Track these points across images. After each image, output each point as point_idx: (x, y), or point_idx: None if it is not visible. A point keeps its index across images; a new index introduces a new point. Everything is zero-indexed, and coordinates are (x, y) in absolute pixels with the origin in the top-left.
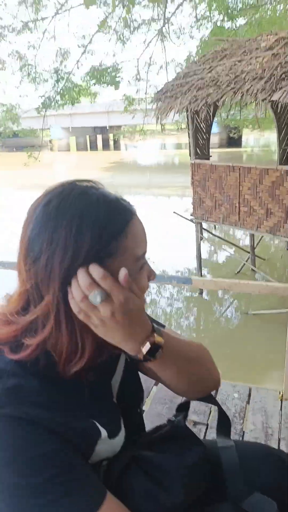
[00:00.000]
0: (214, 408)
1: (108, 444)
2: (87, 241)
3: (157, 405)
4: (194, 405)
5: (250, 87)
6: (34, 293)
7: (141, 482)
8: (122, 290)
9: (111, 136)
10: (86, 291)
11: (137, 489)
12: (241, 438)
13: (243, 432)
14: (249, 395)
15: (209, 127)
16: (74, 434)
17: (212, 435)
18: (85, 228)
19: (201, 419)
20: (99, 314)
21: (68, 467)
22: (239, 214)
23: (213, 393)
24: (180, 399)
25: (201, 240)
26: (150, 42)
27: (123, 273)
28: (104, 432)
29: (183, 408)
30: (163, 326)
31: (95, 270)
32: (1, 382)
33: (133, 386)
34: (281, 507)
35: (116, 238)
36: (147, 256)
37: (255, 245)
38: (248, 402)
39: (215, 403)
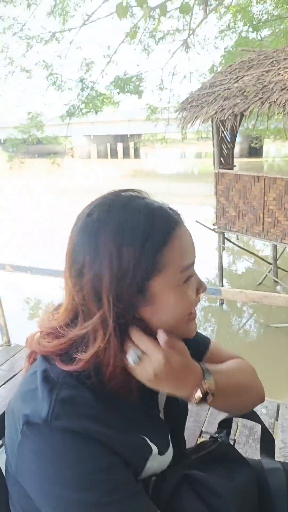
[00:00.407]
0: (241, 423)
1: (158, 461)
2: (131, 256)
3: None
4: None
5: (279, 97)
6: (83, 307)
7: (193, 503)
8: (160, 351)
9: (131, 144)
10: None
11: (191, 510)
12: None
13: None
14: (278, 411)
15: (234, 137)
16: (126, 449)
17: (240, 450)
18: (128, 241)
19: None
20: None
21: (121, 483)
22: (263, 224)
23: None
24: (209, 414)
25: (223, 250)
26: (174, 52)
27: (161, 335)
28: (155, 448)
29: (225, 425)
30: (208, 340)
31: (132, 331)
32: (54, 393)
33: (177, 402)
34: None
35: (161, 249)
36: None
37: (277, 256)
38: (276, 419)
39: (260, 421)
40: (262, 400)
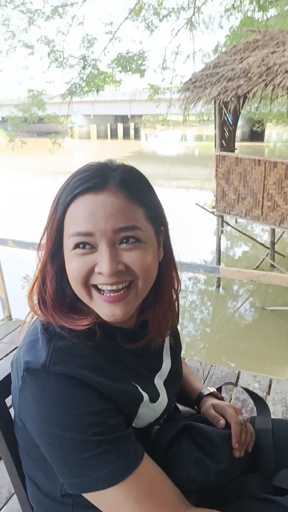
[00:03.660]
0: (234, 396)
1: (151, 408)
2: (52, 207)
3: None
4: None
5: (282, 80)
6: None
7: (191, 450)
8: None
9: (132, 125)
10: None
11: (188, 456)
12: None
13: None
14: (270, 386)
15: (236, 119)
16: (118, 396)
17: None
18: (57, 194)
19: None
20: None
21: (110, 427)
22: (262, 208)
23: (234, 382)
24: None
25: (221, 233)
26: (178, 31)
27: None
28: (146, 396)
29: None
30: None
31: None
32: (52, 343)
33: (178, 372)
34: None
35: (66, 208)
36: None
37: (275, 241)
38: (268, 393)
39: (256, 396)
40: None
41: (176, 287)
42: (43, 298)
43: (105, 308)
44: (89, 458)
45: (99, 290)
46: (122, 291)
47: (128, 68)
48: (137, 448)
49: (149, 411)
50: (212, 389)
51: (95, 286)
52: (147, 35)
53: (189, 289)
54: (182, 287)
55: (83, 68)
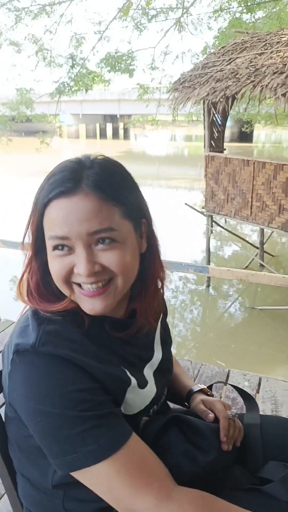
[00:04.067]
0: (224, 394)
1: (139, 394)
2: (34, 211)
3: None
4: None
5: (270, 81)
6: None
7: (181, 441)
8: None
9: (121, 125)
10: None
11: (178, 447)
12: None
13: None
14: (259, 384)
15: (225, 120)
16: (106, 378)
17: None
18: (38, 193)
19: None
20: None
21: (99, 404)
22: (251, 208)
23: (224, 380)
24: None
25: (211, 233)
26: (167, 31)
27: None
28: (134, 381)
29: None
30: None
31: None
32: (42, 326)
33: (168, 363)
34: None
35: (44, 209)
36: None
37: (264, 241)
38: (258, 391)
39: (246, 394)
40: None
41: (161, 276)
42: (29, 288)
43: (86, 302)
44: (78, 433)
45: (79, 285)
46: (101, 287)
47: (117, 67)
48: (125, 425)
49: (137, 397)
50: (202, 386)
51: (76, 283)
52: (136, 35)
53: (180, 289)
54: (172, 286)
55: (72, 67)
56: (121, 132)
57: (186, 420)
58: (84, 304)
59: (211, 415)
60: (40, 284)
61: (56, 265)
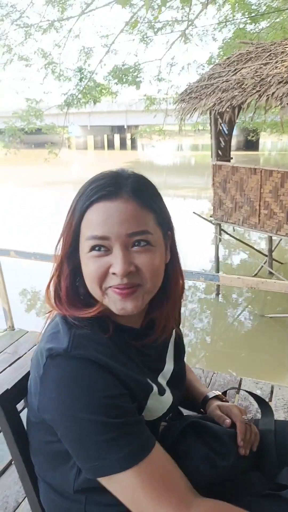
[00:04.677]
0: (236, 403)
1: (158, 401)
2: (70, 212)
3: None
4: None
5: (276, 91)
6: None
7: (199, 446)
8: None
9: (128, 135)
10: None
11: (197, 452)
12: None
13: None
14: (272, 392)
15: (232, 129)
16: (133, 384)
17: None
18: (73, 200)
19: None
20: None
21: (128, 411)
22: (259, 216)
23: (236, 389)
24: None
25: (219, 241)
26: (173, 43)
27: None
28: (155, 388)
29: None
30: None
31: None
32: (73, 330)
33: (180, 374)
34: None
35: (84, 213)
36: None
37: (273, 248)
38: (270, 400)
39: (261, 400)
40: None
41: (182, 289)
42: (58, 293)
43: (117, 303)
44: (107, 440)
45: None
46: (132, 287)
47: (124, 80)
48: (149, 434)
49: (157, 403)
50: (218, 392)
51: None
52: (142, 47)
53: (189, 298)
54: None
55: (80, 80)
56: (128, 142)
57: (204, 426)
58: (115, 305)
59: (228, 420)
60: (69, 289)
61: (92, 265)
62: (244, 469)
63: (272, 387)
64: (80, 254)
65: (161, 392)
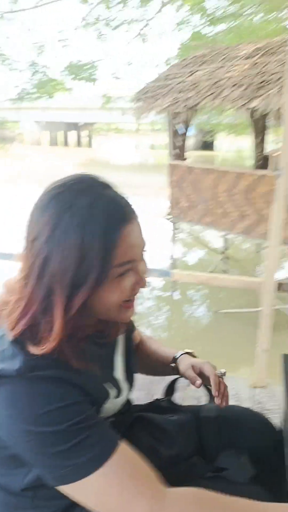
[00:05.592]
0: (187, 394)
1: (113, 404)
2: (96, 243)
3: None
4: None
5: (230, 93)
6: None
7: (145, 438)
8: None
9: (84, 132)
10: None
11: (143, 444)
12: None
13: None
14: None
15: (187, 129)
16: (93, 391)
17: None
18: (90, 229)
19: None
20: None
21: (88, 416)
22: (214, 215)
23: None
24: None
25: (175, 240)
26: (130, 42)
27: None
28: (111, 392)
29: (170, 391)
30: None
31: None
32: (25, 350)
33: (131, 367)
34: (259, 464)
35: (115, 242)
36: None
37: (227, 247)
38: None
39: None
40: None
41: None
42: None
43: (124, 314)
44: (70, 448)
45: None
46: None
47: (80, 76)
48: (112, 432)
49: (111, 406)
50: (187, 350)
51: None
52: (99, 44)
53: (146, 296)
54: (138, 294)
55: (34, 74)
56: (85, 140)
57: (149, 419)
58: (125, 315)
59: (199, 381)
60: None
61: (118, 288)
62: (187, 456)
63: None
64: (99, 281)
65: (118, 393)
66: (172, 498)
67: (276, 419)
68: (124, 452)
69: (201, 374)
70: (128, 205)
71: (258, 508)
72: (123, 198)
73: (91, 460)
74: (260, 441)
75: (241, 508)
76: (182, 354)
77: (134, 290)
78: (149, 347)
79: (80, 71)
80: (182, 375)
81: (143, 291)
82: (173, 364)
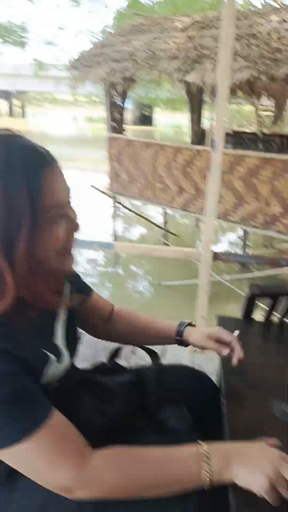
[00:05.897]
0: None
1: (56, 368)
2: (20, 189)
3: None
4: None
5: (167, 66)
6: None
7: (89, 399)
8: None
9: (17, 102)
10: None
11: (87, 405)
12: None
13: None
14: (166, 351)
15: (125, 101)
16: (29, 355)
17: None
18: (11, 178)
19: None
20: None
21: (20, 385)
22: (153, 190)
23: (133, 351)
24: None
25: (116, 214)
26: (62, 6)
27: None
28: (53, 356)
29: (114, 355)
30: (91, 289)
31: None
32: None
33: (73, 333)
34: (197, 415)
35: (39, 187)
36: None
37: (167, 221)
38: (164, 358)
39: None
40: None
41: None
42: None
43: (68, 261)
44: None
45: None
46: None
47: (8, 39)
48: (46, 402)
49: (54, 370)
50: (188, 321)
51: None
52: (29, 6)
53: (89, 272)
54: (81, 269)
55: None
56: (17, 109)
57: (94, 380)
58: (67, 262)
59: (226, 350)
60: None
61: (61, 232)
62: (131, 411)
63: (166, 347)
64: (32, 226)
65: (58, 358)
66: (95, 460)
67: (215, 381)
68: (55, 422)
69: (217, 341)
70: (47, 152)
71: (169, 452)
72: (40, 146)
73: (20, 430)
74: (197, 393)
75: (155, 456)
76: (185, 326)
77: (68, 236)
78: (142, 319)
79: (9, 32)
80: (195, 346)
81: (86, 267)
82: (178, 337)
